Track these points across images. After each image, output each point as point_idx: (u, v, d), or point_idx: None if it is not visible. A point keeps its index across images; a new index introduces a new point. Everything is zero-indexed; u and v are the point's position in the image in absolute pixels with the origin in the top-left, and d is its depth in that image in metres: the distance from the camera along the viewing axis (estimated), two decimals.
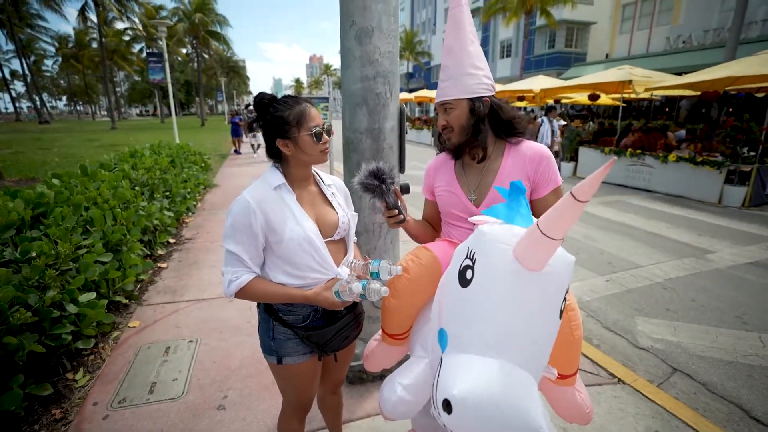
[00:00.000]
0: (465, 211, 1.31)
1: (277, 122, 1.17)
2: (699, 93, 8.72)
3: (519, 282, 0.83)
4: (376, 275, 1.20)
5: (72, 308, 2.21)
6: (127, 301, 3.10)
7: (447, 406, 0.75)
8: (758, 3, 12.29)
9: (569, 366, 1.14)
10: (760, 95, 10.65)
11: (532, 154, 1.25)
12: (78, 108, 63.13)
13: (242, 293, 1.18)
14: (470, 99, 1.25)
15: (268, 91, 1.24)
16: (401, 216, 1.32)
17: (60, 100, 65.86)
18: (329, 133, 1.25)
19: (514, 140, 1.30)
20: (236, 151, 13.61)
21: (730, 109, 11.11)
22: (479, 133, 1.26)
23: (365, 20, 1.87)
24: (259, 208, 1.15)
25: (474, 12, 31.22)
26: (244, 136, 13.79)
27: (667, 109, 15.51)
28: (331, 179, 1.40)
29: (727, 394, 2.29)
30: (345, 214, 1.34)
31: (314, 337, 1.26)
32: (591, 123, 10.84)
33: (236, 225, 1.15)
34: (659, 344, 2.80)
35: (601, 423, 2.02)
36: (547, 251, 0.79)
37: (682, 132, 9.31)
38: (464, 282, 0.88)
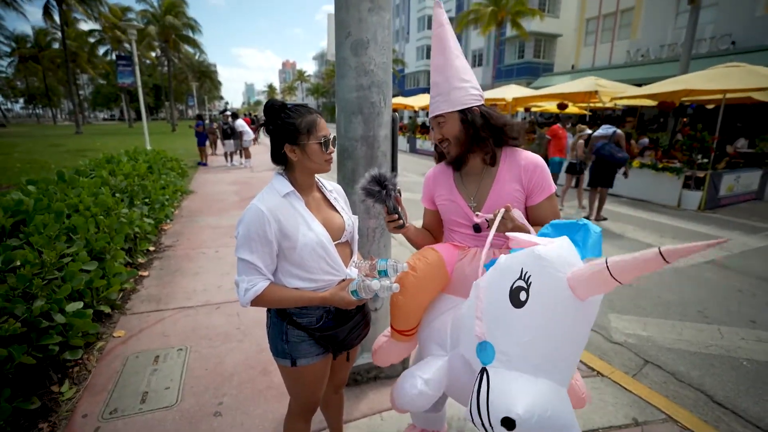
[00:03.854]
0: (466, 218, 1.39)
1: (288, 128, 1.21)
2: (657, 103, 9.37)
3: (571, 310, 0.87)
4: (384, 273, 1.27)
5: (60, 318, 2.15)
6: (110, 310, 3.01)
7: (508, 423, 0.82)
8: (706, 22, 13.32)
9: None
10: (710, 106, 11.52)
11: (526, 163, 1.33)
12: (37, 111, 59.69)
13: (258, 300, 1.21)
14: (460, 111, 1.32)
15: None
16: (401, 221, 1.37)
17: (17, 102, 61.84)
18: (335, 143, 1.31)
19: (509, 149, 1.37)
20: (201, 163, 11.87)
21: (684, 120, 11.93)
22: (481, 140, 1.32)
23: (361, 32, 1.93)
24: (272, 216, 1.18)
25: None
26: (210, 146, 12.11)
27: (628, 119, 16.43)
28: (332, 185, 1.46)
29: (693, 382, 2.50)
30: (349, 217, 1.40)
31: (329, 337, 1.31)
32: None
33: (250, 234, 1.17)
34: (631, 339, 3.00)
35: (585, 413, 2.15)
36: (607, 290, 0.82)
37: (645, 140, 9.93)
38: (517, 303, 0.91)
